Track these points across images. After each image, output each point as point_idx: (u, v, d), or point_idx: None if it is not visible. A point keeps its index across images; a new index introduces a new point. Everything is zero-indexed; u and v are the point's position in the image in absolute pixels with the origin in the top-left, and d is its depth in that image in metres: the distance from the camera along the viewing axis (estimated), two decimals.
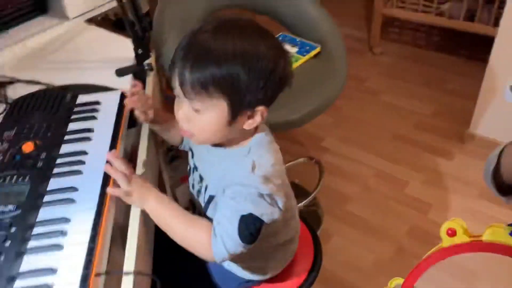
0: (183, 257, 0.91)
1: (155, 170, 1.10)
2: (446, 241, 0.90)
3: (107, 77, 1.10)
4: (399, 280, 1.03)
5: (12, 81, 1.14)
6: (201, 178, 0.92)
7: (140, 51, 1.13)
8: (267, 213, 0.80)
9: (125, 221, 0.86)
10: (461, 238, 0.89)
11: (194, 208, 0.98)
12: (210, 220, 0.83)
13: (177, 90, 0.78)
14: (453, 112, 2.27)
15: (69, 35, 1.35)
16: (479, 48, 2.47)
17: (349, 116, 2.32)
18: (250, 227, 0.79)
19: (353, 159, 2.08)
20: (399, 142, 2.16)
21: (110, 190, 0.80)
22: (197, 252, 0.84)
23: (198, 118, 0.79)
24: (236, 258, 0.96)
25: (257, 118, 0.80)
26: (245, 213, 0.78)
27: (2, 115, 1.00)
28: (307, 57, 1.55)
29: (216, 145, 0.87)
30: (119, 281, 0.72)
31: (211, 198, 0.88)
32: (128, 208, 0.85)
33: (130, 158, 0.99)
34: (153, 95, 1.11)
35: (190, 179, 0.97)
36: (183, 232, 0.83)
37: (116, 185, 0.81)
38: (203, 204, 0.91)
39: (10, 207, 0.74)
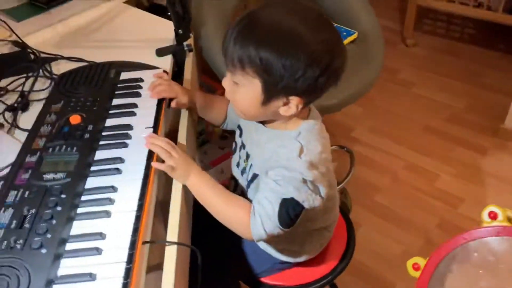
0: (220, 235, 0.92)
1: (193, 150, 1.11)
2: (485, 223, 0.88)
3: (147, 57, 1.12)
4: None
5: (56, 58, 1.16)
6: (248, 156, 0.92)
7: (180, 31, 1.13)
8: (308, 199, 0.80)
9: (165, 197, 0.88)
10: (501, 222, 0.86)
11: (236, 188, 0.98)
12: (250, 200, 0.84)
13: None
14: (488, 107, 2.22)
15: (110, 15, 1.37)
16: None
17: (380, 107, 2.29)
18: (290, 212, 0.79)
19: (383, 150, 2.05)
20: (431, 135, 2.12)
21: (154, 164, 0.81)
22: (235, 230, 0.85)
23: (237, 90, 0.80)
24: (272, 241, 0.96)
25: (292, 107, 0.79)
26: (287, 197, 0.78)
27: (49, 89, 1.02)
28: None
29: (264, 124, 0.87)
30: (161, 251, 0.73)
31: (254, 176, 0.88)
32: (167, 185, 0.86)
33: (168, 136, 1.00)
34: (192, 76, 1.12)
35: (236, 157, 0.97)
36: (223, 209, 0.84)
37: (160, 160, 0.82)
38: (246, 183, 0.92)
39: (60, 175, 0.76)
